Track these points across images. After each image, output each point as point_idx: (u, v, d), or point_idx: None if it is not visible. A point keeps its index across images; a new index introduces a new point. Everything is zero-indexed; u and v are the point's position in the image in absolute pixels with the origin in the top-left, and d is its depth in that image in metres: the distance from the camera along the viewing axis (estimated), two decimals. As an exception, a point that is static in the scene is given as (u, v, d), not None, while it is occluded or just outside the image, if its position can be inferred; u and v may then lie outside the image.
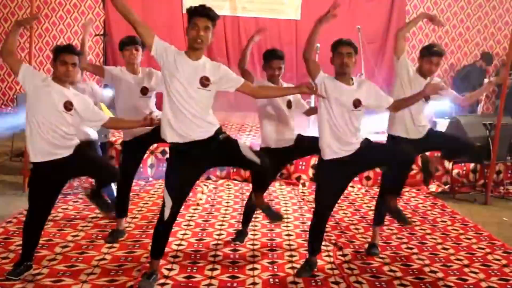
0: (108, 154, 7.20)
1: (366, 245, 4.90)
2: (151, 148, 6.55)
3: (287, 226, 5.42)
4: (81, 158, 3.95)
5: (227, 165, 3.96)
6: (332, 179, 4.08)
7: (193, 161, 3.66)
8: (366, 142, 4.10)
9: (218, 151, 3.70)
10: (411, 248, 4.77)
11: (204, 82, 3.55)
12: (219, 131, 3.71)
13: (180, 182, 3.71)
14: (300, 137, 4.69)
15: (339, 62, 3.95)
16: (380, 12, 11.27)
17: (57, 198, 4.14)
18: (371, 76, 9.80)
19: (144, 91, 4.69)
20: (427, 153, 5.22)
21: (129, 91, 4.67)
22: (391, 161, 4.17)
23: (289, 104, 4.59)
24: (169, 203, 3.66)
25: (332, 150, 3.98)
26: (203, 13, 3.53)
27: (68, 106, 3.80)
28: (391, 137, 4.71)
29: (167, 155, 4.37)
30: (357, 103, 3.94)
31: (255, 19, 10.95)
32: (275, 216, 4.30)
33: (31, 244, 4.01)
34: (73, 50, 3.86)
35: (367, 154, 4.06)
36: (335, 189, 4.15)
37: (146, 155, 5.33)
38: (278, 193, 6.72)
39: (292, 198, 6.58)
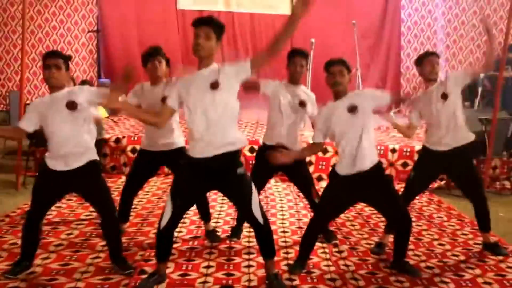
0: (102, 151, 7.18)
1: (362, 242, 4.93)
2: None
3: (282, 223, 5.42)
4: (94, 186, 3.97)
5: (232, 202, 3.93)
6: (335, 194, 4.07)
7: (203, 176, 3.61)
8: (387, 181, 4.10)
9: (231, 185, 3.68)
10: (407, 244, 4.78)
11: (214, 85, 3.47)
12: (239, 160, 3.69)
13: (185, 192, 3.66)
14: (301, 165, 4.77)
15: (331, 81, 3.96)
16: (375, 7, 11.29)
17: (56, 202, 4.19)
18: (366, 71, 9.81)
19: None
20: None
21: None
22: (389, 219, 4.23)
23: (302, 103, 4.62)
24: (168, 211, 3.62)
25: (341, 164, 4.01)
26: (202, 22, 3.49)
27: (71, 104, 3.77)
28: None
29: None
30: (353, 109, 3.90)
31: (250, 14, 10.95)
32: None
33: (31, 243, 4.00)
34: (56, 53, 3.90)
35: (375, 194, 4.03)
36: (335, 205, 4.12)
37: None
38: (273, 190, 6.74)
39: (287, 194, 6.58)
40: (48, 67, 3.78)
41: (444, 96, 4.51)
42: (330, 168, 4.24)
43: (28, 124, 3.87)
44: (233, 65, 3.56)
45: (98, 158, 4.01)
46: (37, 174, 4.06)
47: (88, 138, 3.90)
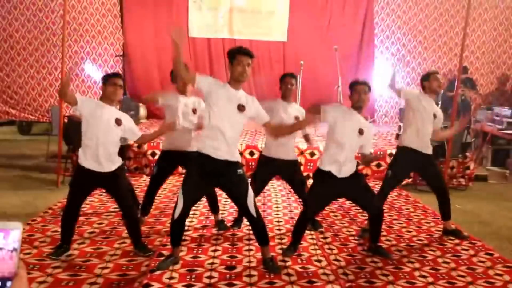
0: (127, 155, 7.19)
1: (344, 230, 4.94)
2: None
3: (277, 214, 5.43)
4: (118, 185, 4.03)
5: (230, 197, 3.95)
6: (320, 192, 4.06)
7: (208, 175, 3.64)
8: (360, 177, 4.11)
9: (231, 184, 3.70)
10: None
11: (241, 108, 3.58)
12: (239, 164, 3.73)
13: (194, 188, 3.69)
14: (297, 170, 4.82)
15: (356, 98, 3.95)
16: (353, 33, 11.28)
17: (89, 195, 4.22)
18: (347, 89, 9.81)
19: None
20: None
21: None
22: (365, 209, 4.21)
23: (296, 119, 4.58)
24: (180, 204, 3.64)
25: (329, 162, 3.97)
26: (247, 52, 3.58)
27: (118, 121, 3.94)
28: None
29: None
30: (361, 132, 3.92)
31: (249, 41, 10.93)
32: None
33: (69, 230, 4.04)
34: (121, 75, 4.09)
35: (354, 189, 4.03)
36: (320, 201, 4.12)
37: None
38: (269, 186, 6.65)
39: (281, 190, 6.58)
40: (114, 84, 3.93)
41: (435, 116, 4.66)
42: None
43: (82, 99, 3.91)
44: (259, 108, 3.73)
45: (121, 162, 4.08)
46: (74, 173, 4.11)
47: (116, 148, 4.01)
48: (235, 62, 3.55)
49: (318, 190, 4.08)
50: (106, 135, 3.89)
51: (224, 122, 3.54)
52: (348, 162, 3.96)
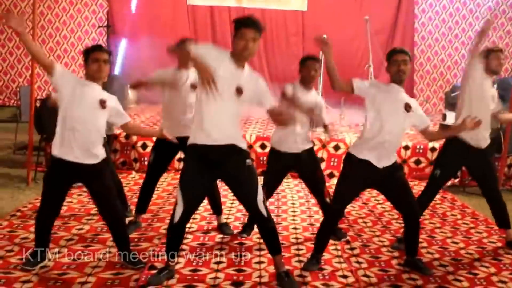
0: (112, 147, 7.20)
1: (375, 239, 4.94)
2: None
3: (294, 220, 5.44)
4: (100, 181, 4.03)
5: (235, 194, 3.95)
6: (355, 179, 4.10)
7: (210, 165, 3.67)
8: (402, 170, 4.24)
9: (238, 176, 3.72)
10: (420, 242, 4.70)
11: (238, 91, 3.56)
12: (247, 151, 3.77)
13: (194, 183, 3.71)
14: (315, 165, 4.86)
15: (395, 69, 4.03)
16: (388, 3, 11.27)
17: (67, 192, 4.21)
18: (379, 68, 9.77)
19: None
20: None
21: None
22: (401, 210, 4.24)
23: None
24: (180, 205, 3.68)
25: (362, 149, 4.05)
26: (253, 25, 3.54)
27: (103, 103, 3.93)
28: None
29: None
30: (408, 108, 4.00)
31: (261, 10, 10.91)
32: None
33: (45, 234, 4.06)
34: (104, 48, 4.03)
35: (392, 183, 4.10)
36: (354, 189, 4.18)
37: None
38: (285, 186, 6.72)
39: (299, 191, 6.59)
40: (97, 60, 3.89)
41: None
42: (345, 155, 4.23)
43: (62, 71, 3.93)
44: (263, 90, 3.70)
45: (105, 155, 4.09)
46: (48, 166, 4.07)
47: (100, 136, 4.00)
48: (238, 35, 3.54)
49: (350, 180, 4.11)
50: (87, 119, 3.88)
51: (218, 104, 3.54)
52: (392, 148, 4.04)
